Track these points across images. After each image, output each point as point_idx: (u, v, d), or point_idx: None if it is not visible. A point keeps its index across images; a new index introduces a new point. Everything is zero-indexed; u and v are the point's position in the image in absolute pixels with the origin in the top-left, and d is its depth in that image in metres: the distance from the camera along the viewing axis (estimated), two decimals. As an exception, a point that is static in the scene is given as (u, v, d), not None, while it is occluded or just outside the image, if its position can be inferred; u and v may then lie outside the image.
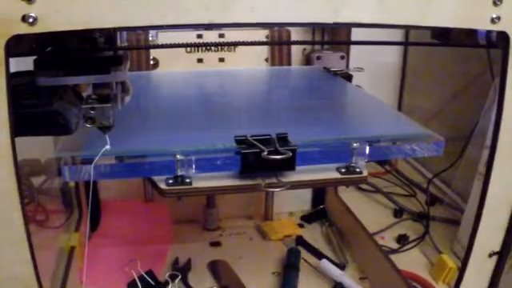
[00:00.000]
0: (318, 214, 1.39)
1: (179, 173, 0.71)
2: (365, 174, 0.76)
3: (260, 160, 0.70)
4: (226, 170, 0.73)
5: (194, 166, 0.71)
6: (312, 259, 1.19)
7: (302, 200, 1.41)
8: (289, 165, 0.71)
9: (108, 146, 0.67)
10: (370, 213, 1.37)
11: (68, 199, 1.17)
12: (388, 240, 1.27)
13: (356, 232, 1.21)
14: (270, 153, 0.70)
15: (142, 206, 1.25)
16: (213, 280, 1.13)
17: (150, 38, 1.16)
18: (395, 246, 1.25)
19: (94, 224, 1.22)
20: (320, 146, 0.75)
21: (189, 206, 1.27)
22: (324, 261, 1.15)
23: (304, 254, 1.21)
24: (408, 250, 1.24)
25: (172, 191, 0.71)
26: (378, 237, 1.27)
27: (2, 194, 0.57)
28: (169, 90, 1.12)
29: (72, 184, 1.14)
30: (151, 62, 1.19)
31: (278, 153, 0.70)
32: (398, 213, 1.39)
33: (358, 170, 0.76)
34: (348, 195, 1.37)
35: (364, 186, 1.50)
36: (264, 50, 1.25)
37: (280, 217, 1.38)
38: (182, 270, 1.13)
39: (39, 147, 0.92)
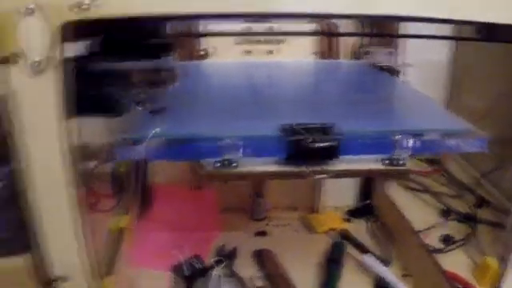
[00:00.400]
0: (364, 209, 1.39)
1: (226, 157, 0.74)
2: (408, 166, 0.76)
3: (305, 148, 0.72)
4: (272, 155, 0.75)
5: (240, 151, 0.74)
6: (356, 254, 1.20)
7: (349, 194, 1.42)
8: (333, 153, 0.73)
9: (158, 129, 0.70)
10: (416, 211, 1.36)
11: (119, 184, 1.20)
12: (433, 239, 1.26)
13: (401, 229, 1.21)
14: (314, 141, 0.71)
15: (191, 193, 1.28)
16: (257, 268, 1.15)
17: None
18: (440, 245, 1.23)
19: (144, 208, 1.25)
20: (364, 137, 0.76)
21: (237, 196, 1.30)
22: (368, 256, 1.15)
23: (348, 248, 1.22)
24: (452, 250, 1.22)
25: (219, 174, 0.74)
26: (423, 235, 1.25)
27: (57, 177, 0.60)
28: (218, 79, 1.16)
29: (123, 169, 1.19)
30: (202, 53, 1.22)
31: (323, 141, 0.72)
32: (445, 213, 1.37)
33: (401, 162, 0.76)
34: (396, 193, 1.36)
35: (412, 185, 1.49)
36: (312, 44, 1.26)
37: (326, 210, 1.39)
38: (227, 256, 1.16)
39: (92, 133, 0.96)
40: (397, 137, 0.75)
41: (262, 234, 1.28)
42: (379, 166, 0.76)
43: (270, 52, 1.25)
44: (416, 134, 0.78)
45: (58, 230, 0.65)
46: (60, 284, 0.67)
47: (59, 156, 0.61)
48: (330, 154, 0.73)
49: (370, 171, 0.77)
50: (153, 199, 1.27)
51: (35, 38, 0.56)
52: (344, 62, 1.28)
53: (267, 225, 1.32)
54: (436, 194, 1.46)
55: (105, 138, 1.02)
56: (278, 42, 1.24)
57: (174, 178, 1.30)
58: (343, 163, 0.75)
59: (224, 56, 1.24)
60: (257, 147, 0.75)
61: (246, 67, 1.24)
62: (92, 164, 1.13)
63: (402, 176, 1.16)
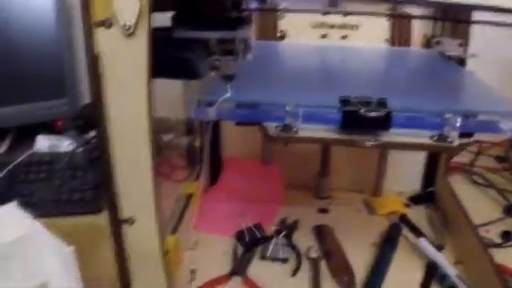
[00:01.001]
0: (425, 196, 1.41)
1: (287, 122, 0.81)
2: (455, 144, 0.80)
3: (359, 118, 0.79)
4: (328, 124, 0.83)
5: (300, 118, 0.82)
6: (411, 237, 1.23)
7: (412, 180, 1.44)
8: (384, 124, 0.79)
9: (228, 94, 0.79)
10: (479, 205, 1.36)
11: (192, 155, 1.29)
12: (492, 234, 1.27)
13: (460, 220, 1.22)
14: (368, 112, 0.78)
15: (259, 166, 1.35)
16: (315, 242, 1.21)
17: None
18: (498, 240, 1.24)
19: (214, 178, 1.34)
20: (415, 113, 0.82)
21: (302, 173, 1.36)
22: (422, 239, 1.19)
23: (404, 231, 1.25)
24: (510, 246, 1.23)
25: (279, 136, 0.82)
26: (483, 229, 1.27)
27: (138, 146, 0.68)
28: (290, 56, 1.23)
29: (197, 143, 1.28)
30: (278, 34, 1.30)
31: (376, 112, 0.78)
32: (508, 210, 1.38)
33: (449, 139, 0.80)
34: (459, 186, 1.37)
35: (479, 181, 1.50)
36: (385, 31, 1.30)
37: (389, 194, 1.42)
38: (288, 228, 1.23)
39: (169, 108, 1.05)
40: (448, 115, 0.80)
41: (324, 211, 1.34)
42: (428, 141, 0.81)
43: (344, 37, 1.30)
44: (467, 115, 0.82)
45: (134, 190, 0.72)
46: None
47: (143, 118, 0.67)
48: (382, 124, 0.79)
49: (417, 144, 0.82)
50: (224, 170, 1.35)
51: (127, 5, 0.64)
52: (414, 49, 1.31)
53: (330, 204, 1.37)
54: (501, 191, 1.46)
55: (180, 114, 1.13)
56: (353, 27, 1.29)
57: (244, 152, 1.38)
58: (393, 135, 0.80)
59: (299, 38, 1.31)
60: (315, 115, 0.83)
61: (318, 49, 1.30)
62: (168, 136, 1.22)
63: (449, 152, 1.18)
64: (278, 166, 1.34)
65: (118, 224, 0.72)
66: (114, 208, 0.71)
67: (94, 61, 0.65)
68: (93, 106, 0.68)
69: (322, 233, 1.24)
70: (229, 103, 0.84)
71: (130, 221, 0.72)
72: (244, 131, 1.29)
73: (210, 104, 0.83)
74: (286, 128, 0.82)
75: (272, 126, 0.83)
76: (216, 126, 1.23)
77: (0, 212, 1.16)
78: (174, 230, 1.04)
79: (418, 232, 1.24)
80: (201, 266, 1.14)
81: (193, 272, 1.11)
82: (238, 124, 0.87)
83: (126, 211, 0.72)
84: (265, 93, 0.91)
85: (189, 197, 1.18)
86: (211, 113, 0.83)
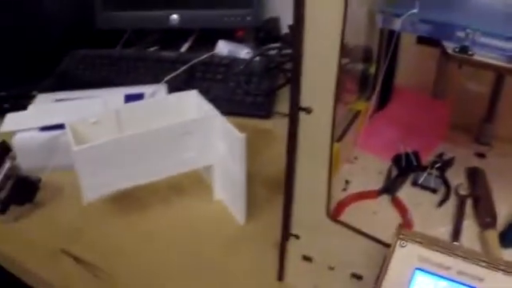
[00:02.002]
0: None
1: (465, 44, 0.90)
2: None
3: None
4: (504, 55, 0.88)
5: (479, 43, 0.89)
6: None
7: None
8: None
9: (415, 10, 0.88)
10: None
11: (364, 80, 1.37)
12: None
13: None
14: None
15: (428, 100, 1.40)
16: (466, 182, 1.26)
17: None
18: None
19: (382, 104, 1.42)
20: None
21: (467, 114, 1.38)
22: None
23: None
24: None
25: (456, 57, 0.91)
26: None
27: (328, 41, 0.76)
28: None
29: (372, 70, 1.36)
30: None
31: None
32: None
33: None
34: None
35: None
36: None
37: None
38: (443, 162, 1.29)
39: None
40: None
41: (481, 156, 1.36)
42: None
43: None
44: None
45: (317, 83, 0.80)
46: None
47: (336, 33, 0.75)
48: None
49: None
50: (393, 99, 1.42)
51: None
52: None
53: (489, 150, 1.38)
54: None
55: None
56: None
57: (415, 84, 1.43)
58: None
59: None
60: (493, 44, 0.88)
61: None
62: (344, 60, 1.31)
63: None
64: (445, 102, 1.38)
65: (296, 110, 0.81)
66: (296, 95, 0.80)
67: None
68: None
69: (474, 175, 1.27)
70: (413, 18, 0.94)
71: (308, 110, 0.80)
72: (419, 63, 1.35)
73: (397, 15, 0.94)
74: (463, 49, 0.89)
75: (450, 46, 0.91)
76: (394, 55, 1.29)
77: (184, 95, 1.37)
78: (339, 139, 1.16)
79: None
80: (355, 179, 1.25)
81: (347, 182, 1.23)
82: (419, 42, 0.95)
83: (304, 102, 0.80)
84: (449, 13, 0.98)
85: (356, 113, 1.28)
86: (397, 23, 0.93)
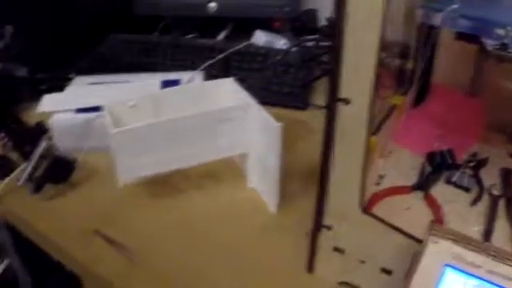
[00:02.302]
0: None
1: (505, 41, 0.89)
2: None
3: None
4: None
5: None
6: None
7: None
8: None
9: (456, 5, 0.88)
10: None
11: (402, 76, 1.36)
12: None
13: None
14: None
15: (464, 98, 1.38)
16: (500, 182, 1.24)
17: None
18: None
19: (419, 101, 1.41)
20: None
21: (503, 115, 1.35)
22: None
23: None
24: None
25: (494, 54, 0.91)
26: None
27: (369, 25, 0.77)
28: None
29: (409, 66, 1.35)
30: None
31: None
32: None
33: None
34: None
35: None
36: None
37: None
38: (477, 161, 1.28)
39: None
40: None
41: (515, 157, 1.35)
42: None
43: None
44: None
45: (356, 75, 0.80)
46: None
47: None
48: None
49: None
50: (431, 95, 1.41)
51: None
52: None
53: (524, 153, 1.37)
54: None
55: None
56: None
57: (452, 82, 1.42)
58: None
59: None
60: None
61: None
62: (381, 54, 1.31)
63: None
64: (482, 101, 1.37)
65: (335, 100, 0.82)
66: (335, 86, 0.81)
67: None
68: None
69: (508, 176, 1.26)
70: (454, 13, 0.94)
71: (346, 101, 0.81)
72: (457, 60, 1.34)
73: (437, 10, 0.94)
74: (503, 46, 0.88)
75: (489, 43, 0.91)
76: (432, 51, 1.29)
77: (220, 82, 1.38)
78: (375, 132, 1.16)
79: None
80: (389, 173, 1.25)
81: (381, 177, 1.23)
82: (458, 38, 0.95)
83: (343, 92, 0.81)
84: (489, 10, 0.97)
85: (393, 107, 1.28)
86: (437, 18, 0.93)
